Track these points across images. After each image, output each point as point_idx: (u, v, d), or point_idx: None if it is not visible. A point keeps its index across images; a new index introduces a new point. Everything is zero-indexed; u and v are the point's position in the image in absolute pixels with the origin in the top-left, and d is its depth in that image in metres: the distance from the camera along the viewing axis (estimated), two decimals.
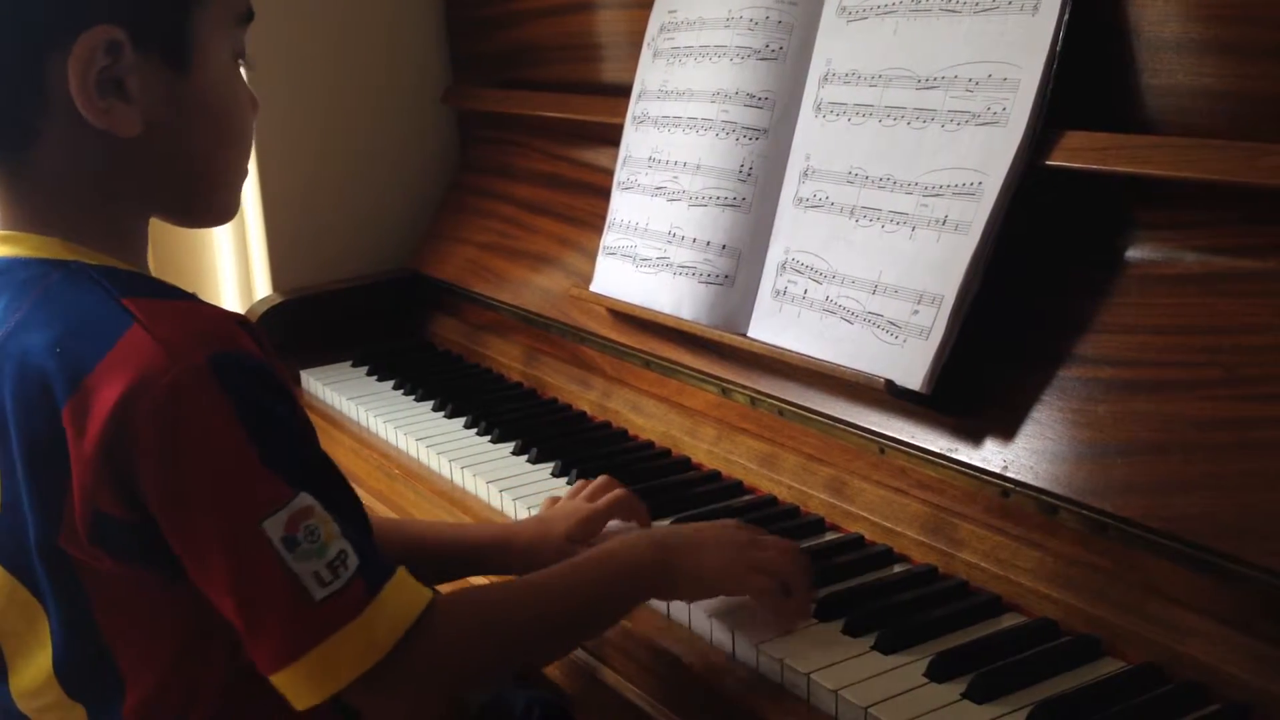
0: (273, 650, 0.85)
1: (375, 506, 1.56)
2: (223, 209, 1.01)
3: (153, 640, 0.91)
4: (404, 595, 0.88)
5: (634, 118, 1.55)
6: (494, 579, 1.19)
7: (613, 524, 1.24)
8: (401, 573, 0.89)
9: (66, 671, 0.92)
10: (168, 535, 0.86)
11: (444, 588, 1.03)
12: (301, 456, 0.88)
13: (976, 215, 1.11)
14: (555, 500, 1.28)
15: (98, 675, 0.91)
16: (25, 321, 0.88)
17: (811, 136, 1.31)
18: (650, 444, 1.48)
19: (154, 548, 0.86)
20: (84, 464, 0.84)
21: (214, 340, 0.86)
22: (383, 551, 0.90)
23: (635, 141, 1.54)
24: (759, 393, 1.35)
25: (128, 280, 0.90)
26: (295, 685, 0.86)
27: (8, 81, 0.88)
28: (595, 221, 1.61)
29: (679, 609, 1.10)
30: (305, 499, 0.86)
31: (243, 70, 0.99)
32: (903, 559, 1.17)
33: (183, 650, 0.91)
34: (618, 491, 1.23)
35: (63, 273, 0.90)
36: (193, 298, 0.93)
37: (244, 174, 1.01)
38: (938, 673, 0.97)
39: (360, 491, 1.59)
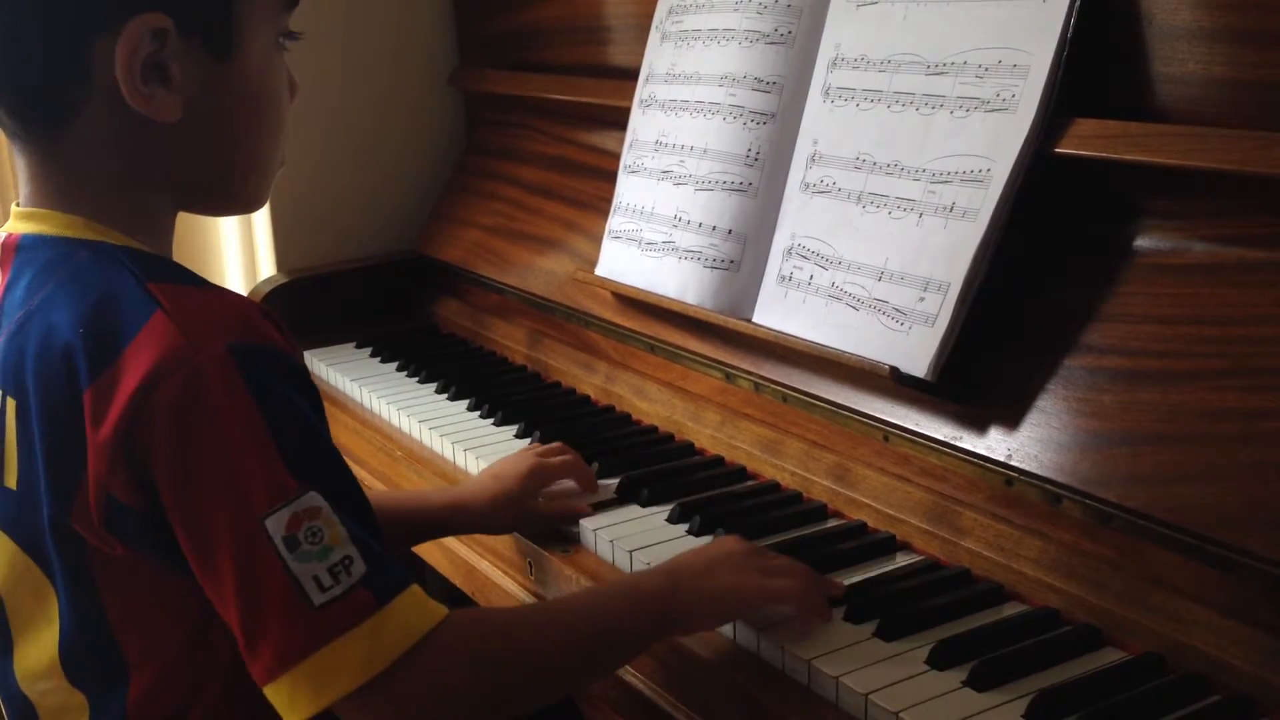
0: (271, 654, 0.82)
1: (376, 488, 1.57)
2: (253, 197, 1.00)
3: (159, 628, 0.90)
4: (415, 610, 0.85)
5: (641, 101, 1.54)
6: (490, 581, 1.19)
7: (566, 483, 1.29)
8: (416, 588, 0.86)
9: (70, 656, 0.92)
10: (177, 528, 0.85)
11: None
12: (316, 455, 0.87)
13: (984, 202, 1.11)
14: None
15: (102, 663, 0.91)
16: (50, 300, 0.88)
17: (819, 121, 1.30)
18: (654, 429, 1.48)
19: (166, 537, 0.86)
20: (99, 450, 0.84)
21: (236, 329, 0.86)
22: (399, 565, 0.87)
23: (642, 125, 1.53)
24: (763, 378, 1.34)
25: (153, 264, 0.90)
26: (292, 693, 0.83)
27: (54, 60, 0.88)
28: (601, 205, 1.61)
29: None
30: (313, 498, 0.84)
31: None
32: (905, 547, 1.17)
33: (189, 640, 0.90)
34: (567, 455, 1.30)
35: (90, 252, 0.90)
36: (215, 286, 0.92)
37: (278, 162, 1.00)
38: (939, 660, 0.97)
39: (361, 473, 1.60)
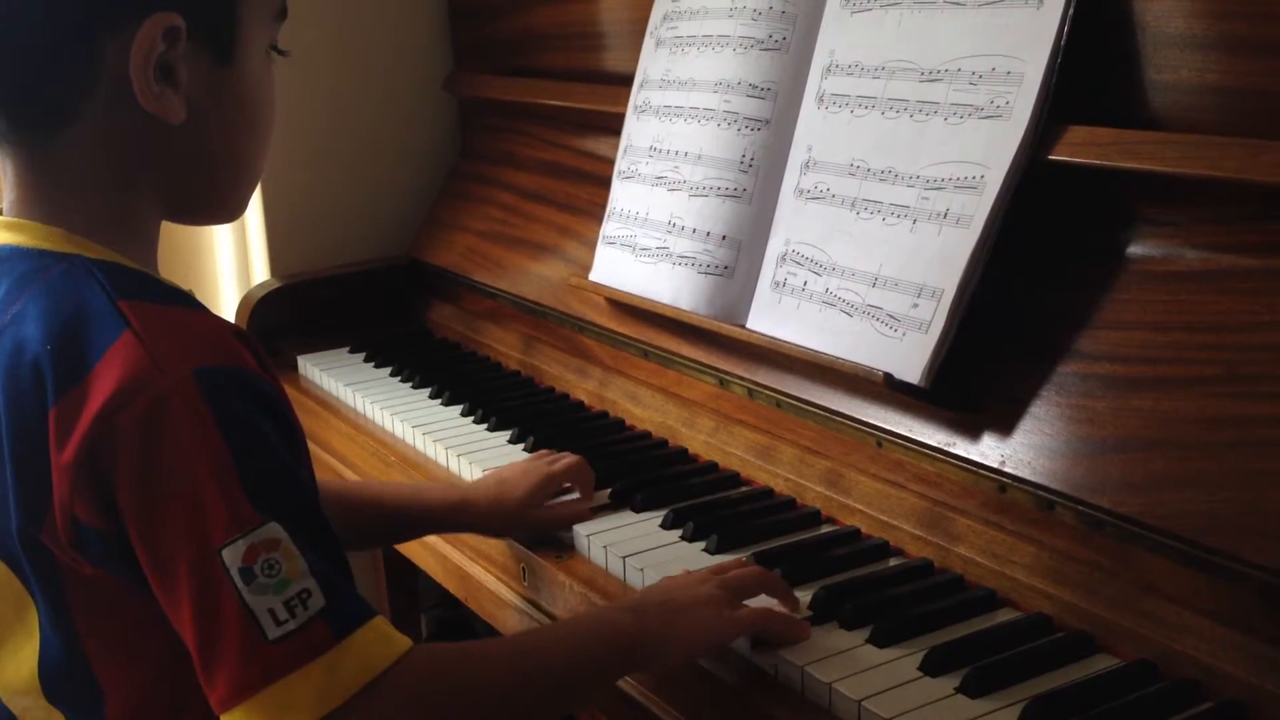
0: (226, 685, 0.81)
1: None
2: (236, 205, 1.00)
3: (134, 650, 0.89)
4: (376, 644, 0.84)
5: (635, 107, 1.54)
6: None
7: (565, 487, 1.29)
8: (378, 620, 0.85)
9: (47, 673, 0.91)
10: (139, 553, 0.84)
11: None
12: (279, 484, 0.85)
13: (978, 209, 1.11)
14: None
15: (76, 682, 0.90)
16: (22, 314, 0.87)
17: (813, 128, 1.31)
18: (647, 434, 1.48)
19: (133, 559, 0.84)
20: (62, 472, 0.83)
21: (205, 353, 0.85)
22: (362, 598, 0.86)
23: (636, 131, 1.53)
24: (757, 384, 1.34)
25: (127, 280, 0.88)
26: None
27: (64, 59, 0.87)
28: (595, 211, 1.61)
29: None
30: (273, 529, 0.82)
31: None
32: (899, 553, 1.17)
33: (166, 662, 0.88)
34: (572, 458, 1.30)
35: (63, 266, 0.88)
36: (191, 302, 0.91)
37: (261, 171, 1.00)
38: (932, 667, 0.97)
39: (355, 478, 1.60)
